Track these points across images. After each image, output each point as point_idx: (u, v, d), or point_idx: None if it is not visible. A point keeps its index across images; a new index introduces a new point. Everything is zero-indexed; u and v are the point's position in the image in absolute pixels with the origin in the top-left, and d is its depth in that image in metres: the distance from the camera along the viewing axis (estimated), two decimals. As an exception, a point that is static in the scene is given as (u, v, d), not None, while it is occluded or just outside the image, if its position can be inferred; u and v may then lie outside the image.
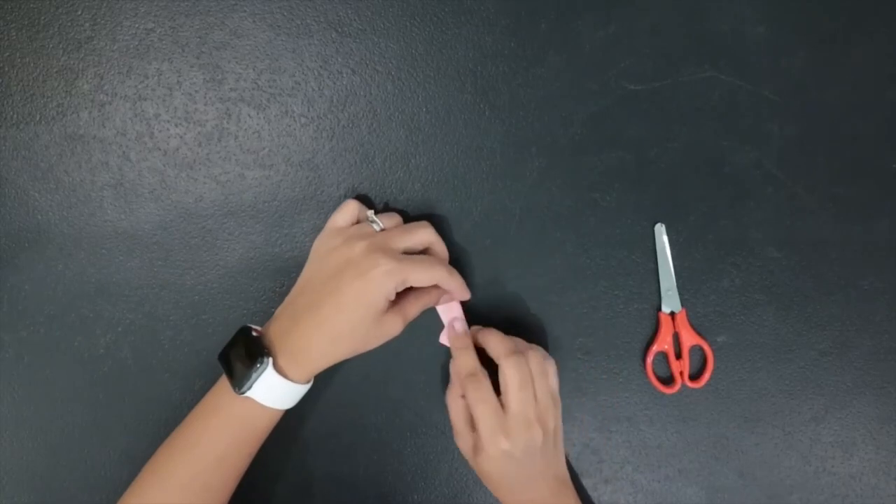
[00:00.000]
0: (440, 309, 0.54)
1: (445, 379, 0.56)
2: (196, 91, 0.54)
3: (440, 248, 0.51)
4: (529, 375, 0.49)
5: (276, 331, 0.47)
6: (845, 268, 0.57)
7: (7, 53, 0.53)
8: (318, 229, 0.55)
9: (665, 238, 0.56)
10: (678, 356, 0.57)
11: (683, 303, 0.57)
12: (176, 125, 0.54)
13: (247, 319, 0.55)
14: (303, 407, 0.51)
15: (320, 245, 0.50)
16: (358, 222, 0.51)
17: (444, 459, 0.57)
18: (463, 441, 0.51)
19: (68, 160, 0.54)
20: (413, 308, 0.50)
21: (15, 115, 0.54)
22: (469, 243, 0.56)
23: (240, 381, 0.45)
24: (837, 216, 0.57)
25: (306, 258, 0.55)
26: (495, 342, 0.51)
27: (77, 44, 0.53)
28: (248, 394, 0.46)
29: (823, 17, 0.56)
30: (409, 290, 0.50)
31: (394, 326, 0.48)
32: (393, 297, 0.47)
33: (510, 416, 0.48)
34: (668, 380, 0.57)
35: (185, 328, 0.55)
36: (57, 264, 0.55)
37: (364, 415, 0.57)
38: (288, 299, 0.50)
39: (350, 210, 0.51)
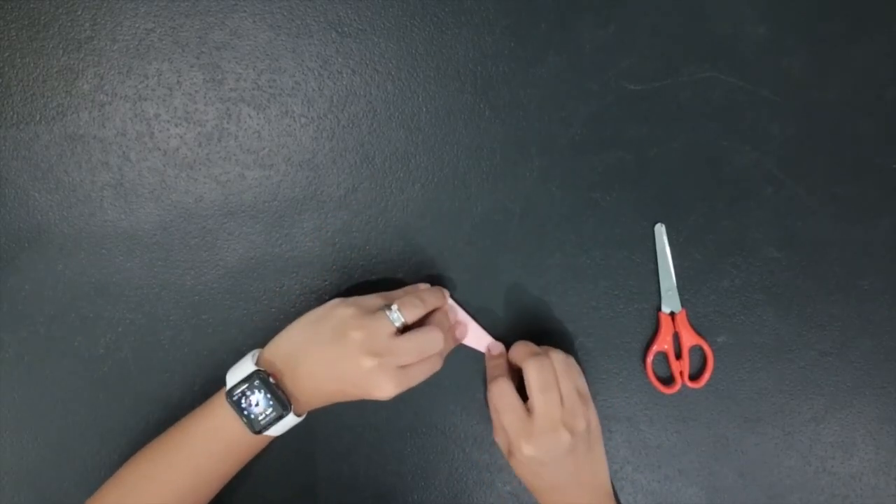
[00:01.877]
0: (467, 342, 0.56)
1: (445, 379, 0.56)
2: (196, 91, 0.54)
3: (448, 331, 0.52)
4: (553, 376, 0.49)
5: (286, 375, 0.48)
6: (845, 268, 0.57)
7: (7, 53, 0.53)
8: (318, 229, 0.55)
9: (665, 238, 0.56)
10: (678, 356, 0.57)
11: (683, 303, 0.57)
12: (176, 125, 0.54)
13: (247, 319, 0.55)
14: (303, 407, 0.51)
15: (340, 322, 0.48)
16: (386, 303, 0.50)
17: (444, 459, 0.57)
18: (501, 439, 0.52)
19: (68, 160, 0.54)
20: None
21: (15, 115, 0.54)
22: (469, 243, 0.56)
23: (260, 427, 0.47)
24: (837, 216, 0.57)
25: (306, 258, 0.55)
26: (517, 348, 0.53)
27: (77, 44, 0.53)
28: (271, 434, 0.48)
29: (823, 17, 0.56)
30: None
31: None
32: None
33: (535, 419, 0.49)
34: (668, 380, 0.57)
35: (185, 328, 0.55)
36: (57, 264, 0.55)
37: (364, 415, 0.57)
38: (294, 339, 0.49)
39: (384, 300, 0.50)
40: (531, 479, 0.51)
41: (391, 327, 0.48)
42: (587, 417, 0.51)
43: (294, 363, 0.48)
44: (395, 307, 0.48)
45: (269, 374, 0.47)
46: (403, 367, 0.47)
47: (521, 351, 0.52)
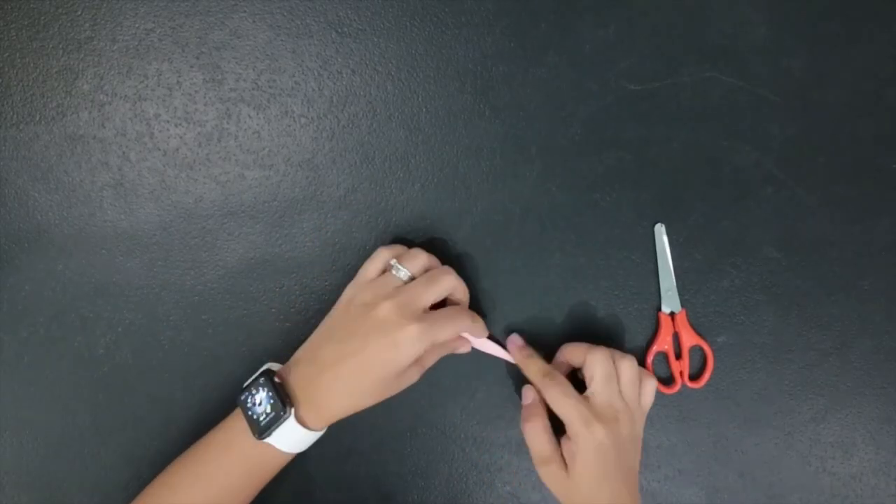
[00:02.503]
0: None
1: (445, 379, 0.56)
2: (196, 91, 0.54)
3: (462, 292, 0.51)
4: (615, 372, 0.49)
5: (298, 378, 0.47)
6: (845, 268, 0.57)
7: (7, 53, 0.53)
8: (318, 229, 0.55)
9: (665, 238, 0.56)
10: (678, 356, 0.57)
11: (683, 303, 0.57)
12: (176, 125, 0.54)
13: (247, 319, 0.55)
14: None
15: (350, 295, 0.49)
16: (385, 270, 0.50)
17: (444, 459, 0.57)
18: (551, 466, 0.49)
19: (68, 160, 0.54)
20: (432, 359, 0.51)
21: (15, 115, 0.54)
22: (469, 243, 0.56)
23: (260, 429, 0.46)
24: (837, 216, 0.57)
25: (306, 258, 0.55)
26: (576, 345, 0.53)
27: (77, 44, 0.53)
28: (276, 445, 0.46)
29: (823, 18, 0.56)
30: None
31: (412, 377, 0.49)
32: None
33: (596, 405, 0.48)
34: (668, 380, 0.57)
35: (185, 328, 0.55)
36: (57, 264, 0.55)
37: (364, 415, 0.56)
38: (311, 343, 0.49)
39: (380, 260, 0.50)
40: (594, 478, 0.47)
41: (399, 281, 0.48)
42: (642, 426, 0.51)
43: (313, 366, 0.47)
44: (394, 262, 0.48)
45: (274, 374, 0.47)
46: (426, 313, 0.47)
47: (581, 347, 0.52)
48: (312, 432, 0.47)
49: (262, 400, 0.46)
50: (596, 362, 0.49)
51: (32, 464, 0.55)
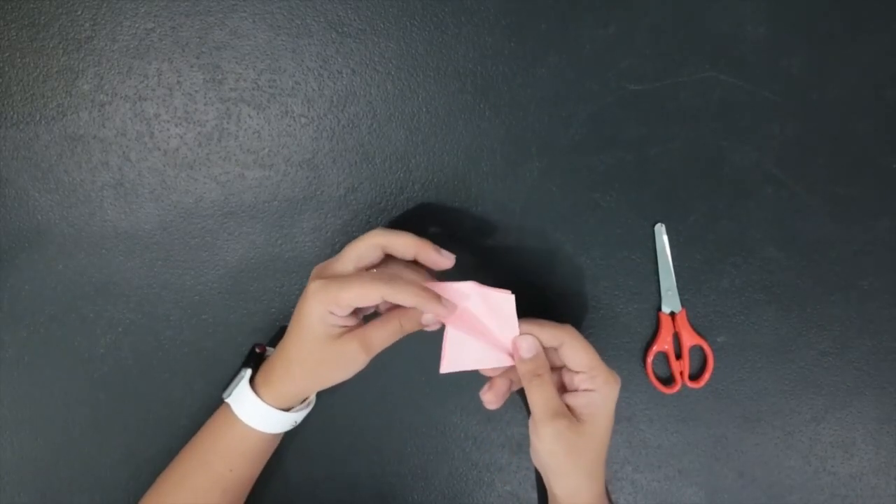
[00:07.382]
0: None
1: (445, 379, 0.56)
2: (196, 91, 0.54)
3: (401, 245, 0.45)
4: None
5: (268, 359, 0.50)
6: (845, 268, 0.57)
7: (7, 53, 0.53)
8: (318, 229, 0.55)
9: (665, 238, 0.56)
10: (678, 356, 0.57)
11: (683, 303, 0.57)
12: (176, 125, 0.54)
13: (247, 319, 0.55)
14: (303, 407, 0.51)
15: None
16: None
17: (443, 459, 0.57)
18: (560, 422, 0.46)
19: (68, 160, 0.54)
20: (375, 332, 0.46)
21: (15, 115, 0.54)
22: (469, 243, 0.56)
23: (226, 387, 0.50)
24: (837, 216, 0.57)
25: (306, 258, 0.55)
26: (544, 329, 0.47)
27: (77, 44, 0.53)
28: (234, 410, 0.48)
29: (823, 17, 0.56)
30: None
31: (352, 352, 0.45)
32: (333, 319, 0.45)
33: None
34: (668, 380, 0.57)
35: (185, 328, 0.55)
36: (57, 264, 0.55)
37: (364, 415, 0.57)
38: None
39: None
40: (610, 426, 0.47)
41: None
42: None
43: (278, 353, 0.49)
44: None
45: (259, 346, 0.51)
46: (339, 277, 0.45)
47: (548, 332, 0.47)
48: (267, 406, 0.47)
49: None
50: (581, 338, 0.47)
51: (32, 464, 0.55)
